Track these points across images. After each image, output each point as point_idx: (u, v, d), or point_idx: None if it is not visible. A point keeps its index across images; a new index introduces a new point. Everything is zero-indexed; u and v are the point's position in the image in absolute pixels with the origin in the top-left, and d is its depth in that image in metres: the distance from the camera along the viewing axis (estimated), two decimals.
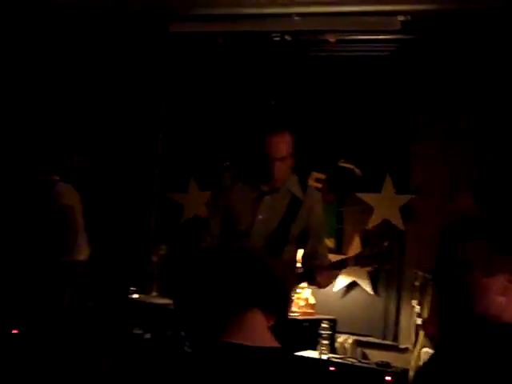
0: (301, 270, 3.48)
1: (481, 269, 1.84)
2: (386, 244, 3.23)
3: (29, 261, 5.21)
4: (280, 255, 3.31)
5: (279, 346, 1.74)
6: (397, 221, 5.10)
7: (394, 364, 4.61)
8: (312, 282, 3.37)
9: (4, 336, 4.99)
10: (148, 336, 5.44)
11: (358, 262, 3.30)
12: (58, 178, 5.20)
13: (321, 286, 3.36)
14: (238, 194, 3.43)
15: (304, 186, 3.46)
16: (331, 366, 4.59)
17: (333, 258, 4.90)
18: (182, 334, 5.33)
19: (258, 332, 1.71)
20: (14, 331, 5.10)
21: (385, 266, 3.31)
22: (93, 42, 5.90)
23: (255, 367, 1.64)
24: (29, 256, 5.19)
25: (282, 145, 3.28)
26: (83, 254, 5.28)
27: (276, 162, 3.27)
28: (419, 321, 4.76)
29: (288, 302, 1.91)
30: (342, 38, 5.21)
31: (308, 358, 4.56)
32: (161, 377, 1.68)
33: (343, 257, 5.04)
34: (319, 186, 5.30)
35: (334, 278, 3.44)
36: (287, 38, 5.29)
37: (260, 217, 3.35)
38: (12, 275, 5.23)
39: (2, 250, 5.20)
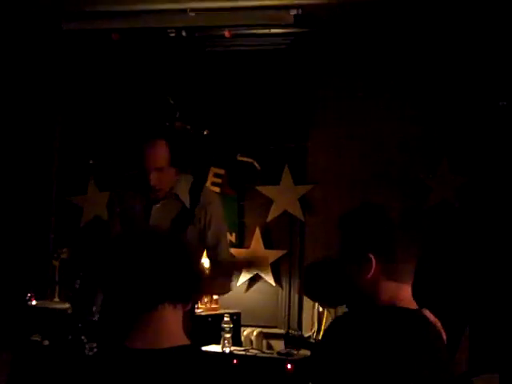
0: None
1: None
2: None
3: None
4: None
5: (187, 342, 1.71)
6: (297, 212, 5.12)
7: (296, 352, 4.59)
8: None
9: None
10: (46, 342, 5.27)
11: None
12: None
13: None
14: (130, 201, 3.38)
15: (197, 190, 3.36)
16: (234, 359, 4.53)
17: (235, 252, 4.93)
18: (83, 338, 5.22)
19: (166, 331, 1.67)
20: None
21: None
22: None
23: (155, 371, 1.61)
24: None
25: (158, 155, 3.18)
26: None
27: (153, 173, 3.18)
28: (321, 308, 4.79)
29: (199, 285, 1.84)
30: (237, 32, 5.23)
31: (210, 352, 4.48)
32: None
33: (245, 250, 5.07)
34: (219, 181, 5.29)
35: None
36: (183, 33, 5.28)
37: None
38: None
39: None
